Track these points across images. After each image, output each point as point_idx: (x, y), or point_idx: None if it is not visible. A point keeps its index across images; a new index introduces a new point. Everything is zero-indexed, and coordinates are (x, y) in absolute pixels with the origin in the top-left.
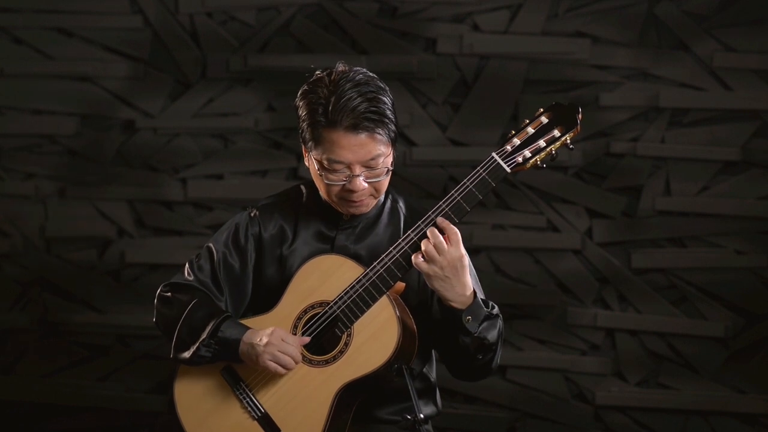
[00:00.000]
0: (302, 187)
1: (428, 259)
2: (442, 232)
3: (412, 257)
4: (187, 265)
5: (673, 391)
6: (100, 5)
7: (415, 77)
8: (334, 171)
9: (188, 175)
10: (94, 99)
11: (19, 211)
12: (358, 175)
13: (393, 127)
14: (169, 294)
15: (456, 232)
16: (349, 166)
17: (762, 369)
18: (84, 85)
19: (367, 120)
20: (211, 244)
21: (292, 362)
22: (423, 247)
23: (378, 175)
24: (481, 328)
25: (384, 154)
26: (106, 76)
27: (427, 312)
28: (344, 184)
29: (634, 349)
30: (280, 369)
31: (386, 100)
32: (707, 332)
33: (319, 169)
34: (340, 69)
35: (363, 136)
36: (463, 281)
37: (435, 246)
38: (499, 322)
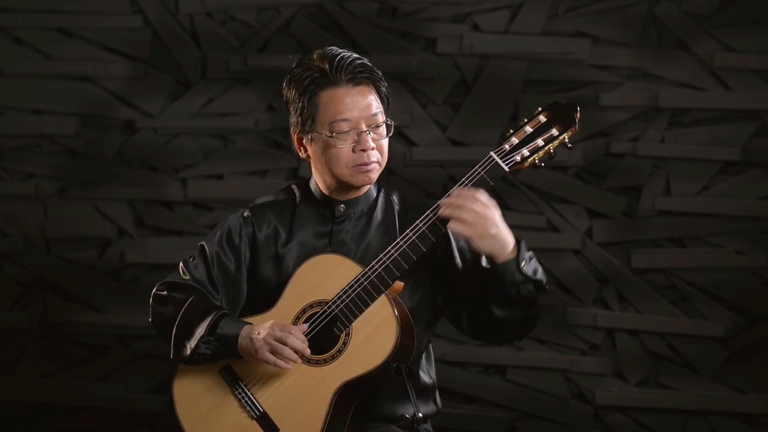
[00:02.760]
0: (294, 186)
1: (465, 222)
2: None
3: (450, 225)
4: (181, 264)
5: (673, 391)
6: (100, 5)
7: (415, 77)
8: (342, 133)
9: (188, 175)
10: (94, 99)
11: (19, 211)
12: (365, 131)
13: (385, 85)
14: (165, 293)
15: (474, 192)
16: (355, 126)
17: (762, 369)
18: (84, 85)
19: (362, 72)
20: (204, 244)
21: (293, 354)
22: (454, 214)
23: (381, 135)
24: (532, 269)
25: (382, 113)
26: (106, 76)
27: (428, 310)
28: (354, 146)
29: (634, 349)
30: (280, 362)
31: (370, 63)
32: (707, 332)
33: (326, 138)
34: (317, 50)
35: (362, 90)
36: (504, 228)
37: (463, 206)
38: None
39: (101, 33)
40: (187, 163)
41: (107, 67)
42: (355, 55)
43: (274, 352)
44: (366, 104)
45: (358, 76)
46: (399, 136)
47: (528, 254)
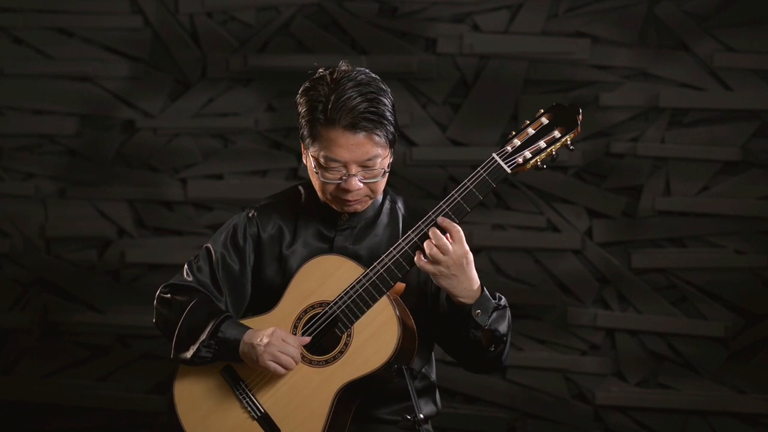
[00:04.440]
0: (300, 187)
1: (433, 260)
2: (443, 231)
3: (415, 258)
4: (186, 266)
5: (673, 391)
6: (100, 5)
7: (415, 77)
8: (330, 169)
9: (188, 175)
10: (94, 99)
11: (19, 211)
12: (354, 175)
13: (392, 129)
14: (168, 295)
15: (459, 230)
16: (345, 165)
17: (762, 369)
18: (84, 85)
19: (365, 120)
20: (209, 245)
21: (292, 362)
22: (427, 250)
23: (374, 176)
24: (491, 320)
25: (381, 156)
26: (106, 76)
27: (428, 311)
28: (339, 183)
29: (634, 349)
30: (279, 369)
31: (386, 101)
32: (707, 332)
33: (315, 167)
34: (342, 68)
35: (361, 136)
36: (470, 276)
37: (438, 247)
38: (508, 313)
39: (101, 33)
40: (187, 163)
41: (107, 67)
42: (369, 94)
43: (275, 360)
44: (361, 150)
45: (359, 123)
46: (399, 136)
47: (495, 304)
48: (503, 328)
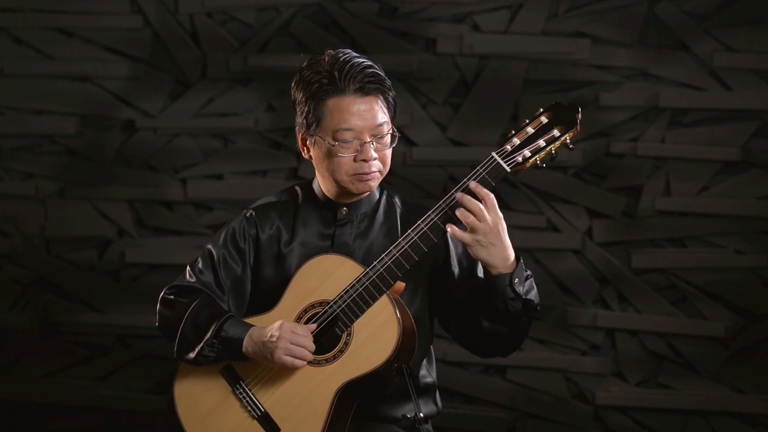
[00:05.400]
0: (297, 188)
1: (471, 229)
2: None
3: (449, 228)
4: (188, 267)
5: (673, 391)
6: (100, 5)
7: (415, 77)
8: (345, 142)
9: (188, 175)
10: (94, 99)
11: (19, 211)
12: (369, 142)
13: (393, 94)
14: (172, 297)
15: (491, 196)
16: (358, 136)
17: (762, 369)
18: (84, 85)
19: (370, 83)
20: (210, 246)
21: (308, 353)
22: (463, 219)
23: (385, 145)
24: (525, 289)
25: (387, 123)
26: (106, 76)
27: (428, 311)
28: (356, 156)
29: (634, 349)
30: (297, 362)
31: (381, 70)
32: (707, 332)
33: (328, 147)
34: (330, 52)
35: (369, 100)
36: (506, 243)
37: (474, 213)
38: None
39: (101, 33)
40: (187, 163)
41: (107, 67)
42: (366, 63)
43: (290, 354)
44: (371, 115)
45: (366, 86)
46: (399, 137)
47: (526, 273)
48: (536, 296)
